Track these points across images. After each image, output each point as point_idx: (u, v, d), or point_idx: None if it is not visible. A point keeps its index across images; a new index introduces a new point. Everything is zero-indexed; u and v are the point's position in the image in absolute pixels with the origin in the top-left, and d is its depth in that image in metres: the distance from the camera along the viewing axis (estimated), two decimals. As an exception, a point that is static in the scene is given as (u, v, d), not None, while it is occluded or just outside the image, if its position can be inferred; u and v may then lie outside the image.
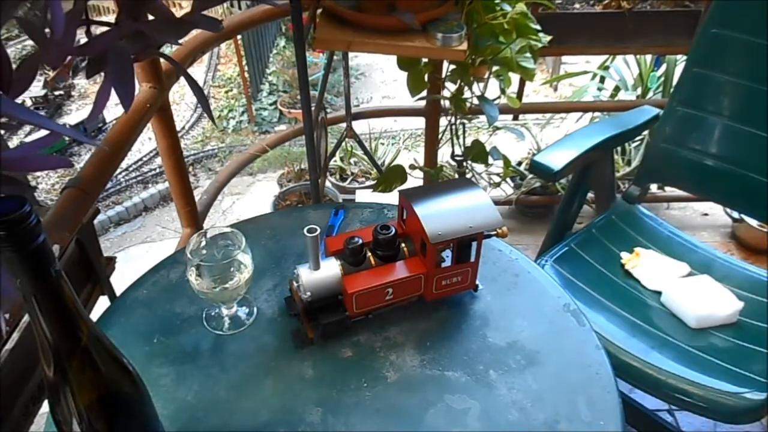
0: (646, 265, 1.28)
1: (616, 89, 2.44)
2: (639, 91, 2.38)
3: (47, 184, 3.97)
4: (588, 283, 1.25)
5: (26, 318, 0.75)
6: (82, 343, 0.47)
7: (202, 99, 0.63)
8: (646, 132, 1.88)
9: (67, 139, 4.12)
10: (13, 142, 3.94)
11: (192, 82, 0.63)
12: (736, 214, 2.20)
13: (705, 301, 1.18)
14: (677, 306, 1.19)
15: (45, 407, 0.54)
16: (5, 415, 0.73)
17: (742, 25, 1.23)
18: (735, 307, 1.17)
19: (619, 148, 2.20)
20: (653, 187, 2.24)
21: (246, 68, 4.34)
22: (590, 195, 1.48)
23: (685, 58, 1.38)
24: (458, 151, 1.56)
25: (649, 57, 2.36)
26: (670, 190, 2.25)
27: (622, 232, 1.39)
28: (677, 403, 1.05)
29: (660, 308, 1.21)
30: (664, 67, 2.31)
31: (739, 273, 1.29)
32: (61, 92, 5.00)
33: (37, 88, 4.83)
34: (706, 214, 2.37)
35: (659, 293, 1.23)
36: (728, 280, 1.25)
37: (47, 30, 0.48)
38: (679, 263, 1.29)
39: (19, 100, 0.48)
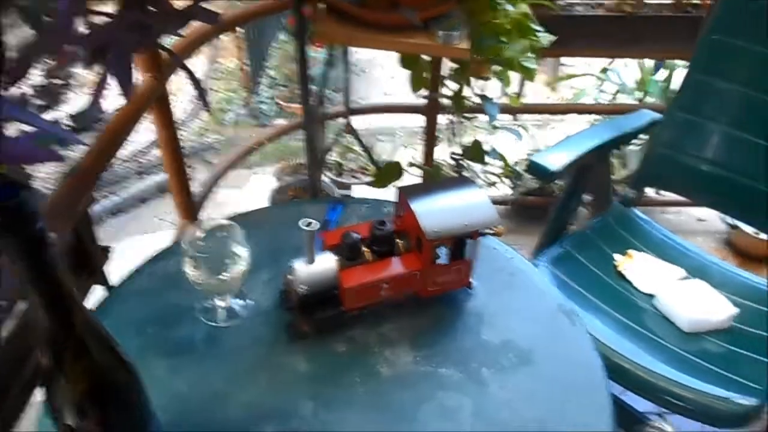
0: (638, 268, 1.28)
1: (616, 92, 2.44)
2: (639, 94, 2.38)
3: (45, 173, 3.95)
4: (582, 284, 1.25)
5: (22, 306, 0.75)
6: (77, 331, 0.47)
7: (200, 91, 0.63)
8: (644, 136, 1.88)
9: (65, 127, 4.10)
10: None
11: (191, 75, 0.63)
12: (731, 221, 2.19)
13: (699, 305, 1.18)
14: (671, 310, 1.19)
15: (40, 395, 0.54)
16: (2, 401, 0.73)
17: (743, 33, 1.23)
18: (729, 313, 1.17)
19: (616, 151, 2.20)
20: (649, 191, 2.24)
21: (246, 61, 4.32)
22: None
23: (686, 63, 1.38)
24: (457, 149, 1.57)
25: (649, 61, 2.36)
26: (666, 195, 2.25)
27: (617, 234, 1.40)
28: (668, 406, 1.05)
29: (653, 311, 1.21)
30: (664, 72, 2.30)
31: (734, 278, 1.29)
32: (61, 81, 4.98)
33: (36, 77, 4.80)
34: (701, 220, 2.37)
35: (652, 296, 1.23)
36: (722, 285, 1.25)
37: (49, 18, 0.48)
38: (674, 267, 1.29)
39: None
